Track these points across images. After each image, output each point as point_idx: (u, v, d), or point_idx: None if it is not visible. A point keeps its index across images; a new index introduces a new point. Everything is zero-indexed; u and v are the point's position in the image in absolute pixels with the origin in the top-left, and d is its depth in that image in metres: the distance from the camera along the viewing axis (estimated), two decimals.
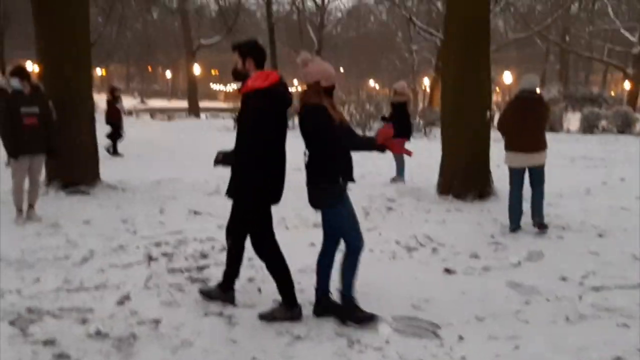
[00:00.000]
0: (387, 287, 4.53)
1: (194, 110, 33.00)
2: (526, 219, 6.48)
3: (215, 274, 4.74)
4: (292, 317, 3.84)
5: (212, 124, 25.58)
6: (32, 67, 45.85)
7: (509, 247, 5.76)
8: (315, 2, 37.33)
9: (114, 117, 13.28)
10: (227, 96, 69.27)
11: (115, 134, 13.16)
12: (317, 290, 3.96)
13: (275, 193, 3.86)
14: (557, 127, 22.26)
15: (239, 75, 3.82)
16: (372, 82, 62.83)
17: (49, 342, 3.44)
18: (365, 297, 4.27)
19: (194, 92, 34.10)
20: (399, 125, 9.20)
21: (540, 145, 6.31)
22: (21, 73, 6.25)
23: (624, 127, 21.40)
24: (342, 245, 3.94)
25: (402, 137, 8.86)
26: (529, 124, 6.22)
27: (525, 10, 37.48)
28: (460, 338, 3.61)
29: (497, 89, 45.08)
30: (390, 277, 4.80)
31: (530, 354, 3.42)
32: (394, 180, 9.70)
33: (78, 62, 7.95)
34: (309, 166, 3.73)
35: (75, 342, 3.46)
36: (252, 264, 5.02)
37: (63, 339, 3.49)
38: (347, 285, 3.82)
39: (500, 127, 6.42)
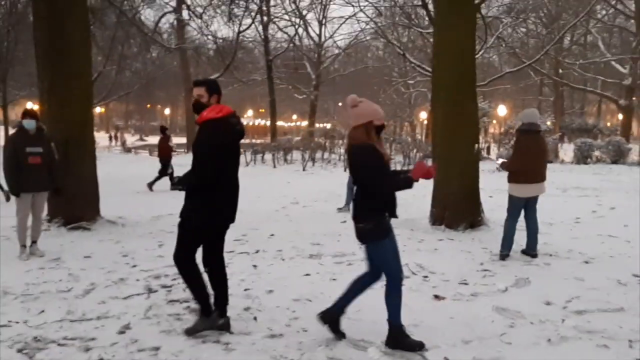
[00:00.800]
0: (379, 314, 4.65)
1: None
2: (514, 246, 6.70)
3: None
4: (212, 325, 4.18)
5: None
6: (33, 107, 46.18)
7: (497, 274, 5.95)
8: (312, 39, 38.10)
9: (166, 154, 14.04)
10: None
11: (165, 171, 13.88)
12: (336, 303, 4.15)
13: (227, 214, 4.23)
14: (551, 158, 22.58)
15: (200, 107, 4.13)
16: None
17: None
18: (358, 323, 4.47)
19: (192, 129, 34.52)
20: None
21: (544, 176, 6.60)
22: (33, 114, 6.54)
23: (617, 157, 21.75)
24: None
25: None
26: (536, 157, 6.50)
27: (518, 44, 38.33)
28: None
29: (494, 121, 45.72)
30: (382, 304, 4.94)
31: None
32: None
33: (80, 102, 8.27)
34: (356, 202, 3.96)
35: None
36: (248, 294, 5.24)
37: None
38: (395, 315, 3.98)
39: (515, 166, 6.53)
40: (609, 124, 55.30)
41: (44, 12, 8.26)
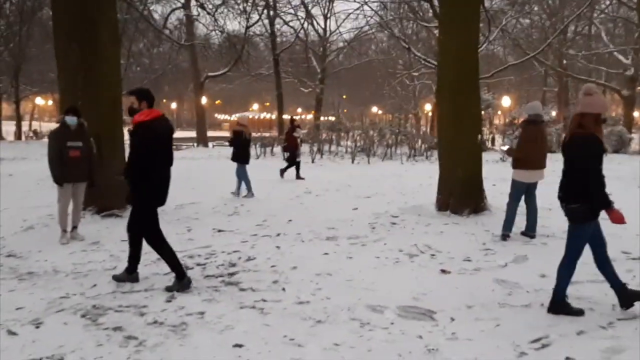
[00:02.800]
0: (392, 285, 5.31)
1: (202, 140, 33.97)
2: (514, 229, 7.30)
3: (244, 278, 5.56)
4: (181, 287, 5.12)
5: (221, 153, 26.52)
6: (42, 102, 46.55)
7: (498, 252, 6.55)
8: (318, 33, 38.56)
9: (292, 145, 14.92)
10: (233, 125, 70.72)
11: (292, 161, 14.85)
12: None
13: (158, 199, 5.27)
14: (554, 148, 23.07)
15: (133, 112, 5.14)
16: (375, 109, 64.14)
17: (117, 329, 4.25)
18: (373, 292, 5.08)
19: (202, 123, 35.10)
20: (237, 150, 11.28)
21: (545, 163, 7.23)
22: (76, 111, 7.16)
23: (619, 146, 22.26)
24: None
25: (238, 161, 11.09)
26: (540, 145, 7.16)
27: (522, 35, 38.67)
28: (452, 319, 4.40)
29: (499, 112, 46.11)
30: (395, 277, 5.60)
31: (509, 330, 4.20)
32: (234, 194, 11.13)
33: (112, 102, 8.87)
34: (567, 185, 4.39)
35: (139, 328, 4.26)
36: (275, 270, 5.87)
37: (128, 326, 4.30)
38: (561, 286, 4.52)
39: (520, 153, 7.12)
40: (614, 114, 55.57)
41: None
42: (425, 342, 3.97)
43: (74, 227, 7.40)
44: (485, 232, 7.65)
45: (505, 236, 7.20)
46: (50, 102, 64.64)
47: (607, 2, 35.61)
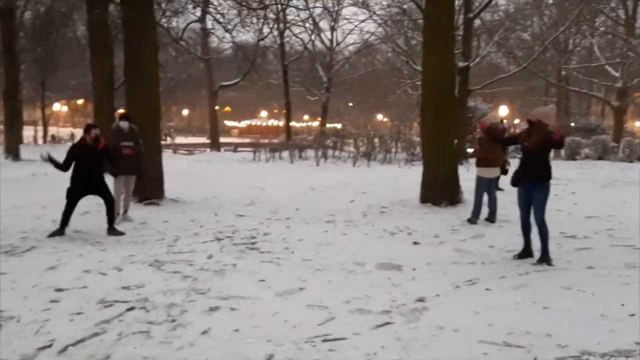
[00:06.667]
0: (374, 251, 7.06)
1: (215, 145, 35.86)
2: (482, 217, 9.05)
3: (262, 246, 7.33)
4: (54, 233, 7.69)
5: (233, 157, 28.36)
6: (60, 108, 48.76)
7: (462, 231, 8.30)
8: (325, 44, 40.42)
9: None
10: (242, 132, 72.65)
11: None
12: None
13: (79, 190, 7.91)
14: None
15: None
16: (380, 116, 65.98)
17: (176, 272, 6.01)
18: (359, 255, 6.82)
19: (215, 129, 37.07)
20: None
21: (499, 163, 9.02)
22: (127, 117, 8.98)
23: (603, 154, 23.92)
24: None
25: None
26: (493, 148, 8.96)
27: (525, 47, 40.29)
28: (414, 269, 6.16)
29: (505, 121, 47.75)
30: (377, 247, 7.35)
31: (453, 276, 5.93)
32: None
33: (151, 108, 10.71)
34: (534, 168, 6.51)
35: (191, 272, 6.03)
36: (285, 241, 7.63)
37: (183, 271, 6.06)
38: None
39: (480, 153, 9.00)
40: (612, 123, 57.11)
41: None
42: (392, 281, 5.73)
43: (125, 211, 9.18)
44: (457, 218, 9.39)
45: (472, 221, 8.92)
46: (65, 109, 66.92)
47: (603, 18, 37.25)
